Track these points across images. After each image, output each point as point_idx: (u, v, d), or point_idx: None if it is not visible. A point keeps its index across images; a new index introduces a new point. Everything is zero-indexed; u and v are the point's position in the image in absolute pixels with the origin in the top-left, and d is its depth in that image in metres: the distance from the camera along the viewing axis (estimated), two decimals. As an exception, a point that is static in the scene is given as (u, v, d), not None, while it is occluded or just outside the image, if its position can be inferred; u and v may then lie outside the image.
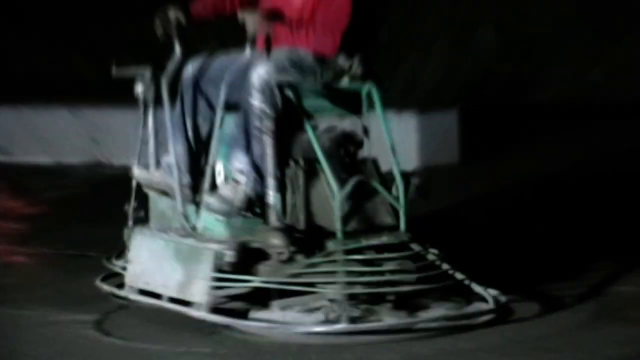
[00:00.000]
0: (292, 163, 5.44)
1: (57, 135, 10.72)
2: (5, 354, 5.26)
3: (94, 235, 7.56)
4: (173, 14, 5.70)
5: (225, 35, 6.91)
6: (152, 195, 6.04)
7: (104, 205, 8.31)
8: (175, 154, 5.83)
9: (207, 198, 5.71)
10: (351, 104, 5.60)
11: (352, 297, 5.15)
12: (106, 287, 5.75)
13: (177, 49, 5.64)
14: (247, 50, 5.81)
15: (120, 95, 7.05)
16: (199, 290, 5.66)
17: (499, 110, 10.42)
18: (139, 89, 5.76)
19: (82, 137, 10.69)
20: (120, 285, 5.68)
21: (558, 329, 5.25)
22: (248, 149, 5.69)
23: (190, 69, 5.72)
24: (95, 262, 6.42)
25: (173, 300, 5.52)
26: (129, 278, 5.75)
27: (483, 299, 5.38)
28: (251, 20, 5.70)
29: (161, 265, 5.78)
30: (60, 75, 11.69)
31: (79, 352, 5.03)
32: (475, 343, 5.01)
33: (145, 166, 5.94)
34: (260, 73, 5.41)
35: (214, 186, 5.58)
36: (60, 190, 9.67)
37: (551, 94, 10.74)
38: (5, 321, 5.73)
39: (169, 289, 5.69)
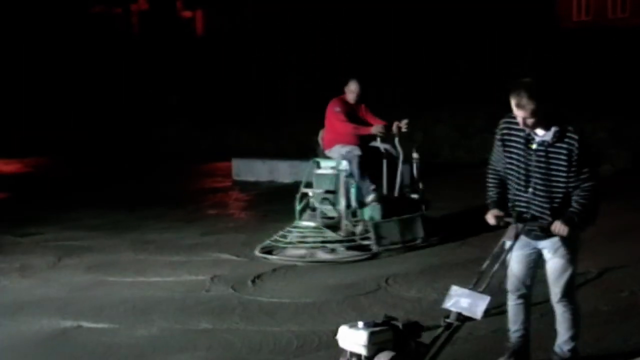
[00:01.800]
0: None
1: (262, 171, 13.36)
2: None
3: (272, 207, 10.57)
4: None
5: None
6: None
7: (274, 196, 11.50)
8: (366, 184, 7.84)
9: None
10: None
11: None
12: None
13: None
14: (379, 140, 8.05)
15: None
16: (421, 230, 7.76)
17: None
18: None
19: (265, 171, 13.32)
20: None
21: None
22: None
23: (358, 151, 7.91)
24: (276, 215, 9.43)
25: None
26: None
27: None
28: (379, 129, 7.96)
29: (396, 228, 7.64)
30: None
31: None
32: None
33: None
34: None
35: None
36: (257, 191, 12.39)
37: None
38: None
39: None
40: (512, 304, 4.61)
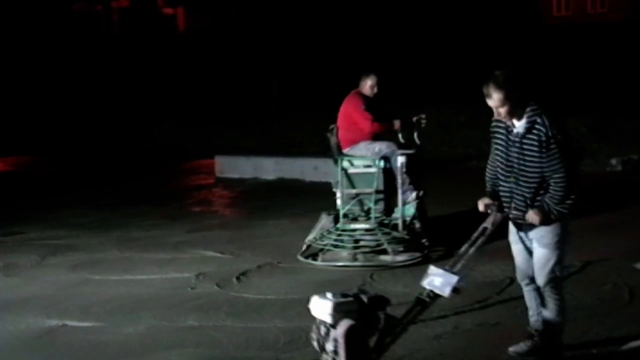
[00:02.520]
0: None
1: (245, 168, 13.14)
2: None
3: (257, 204, 10.78)
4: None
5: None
6: None
7: (258, 193, 11.80)
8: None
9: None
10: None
11: None
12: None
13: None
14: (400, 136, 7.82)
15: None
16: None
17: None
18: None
19: (248, 168, 13.17)
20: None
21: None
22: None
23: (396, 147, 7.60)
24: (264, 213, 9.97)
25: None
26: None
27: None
28: (399, 125, 7.73)
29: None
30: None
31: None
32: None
33: None
34: None
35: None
36: (241, 188, 12.33)
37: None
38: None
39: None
40: (524, 291, 4.75)
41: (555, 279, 4.54)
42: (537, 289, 4.66)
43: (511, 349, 4.76)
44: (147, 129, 19.04)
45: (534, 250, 4.54)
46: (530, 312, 4.76)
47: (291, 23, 21.51)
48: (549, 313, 4.59)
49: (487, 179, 4.70)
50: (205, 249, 8.01)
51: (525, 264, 4.63)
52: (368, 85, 7.77)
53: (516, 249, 4.65)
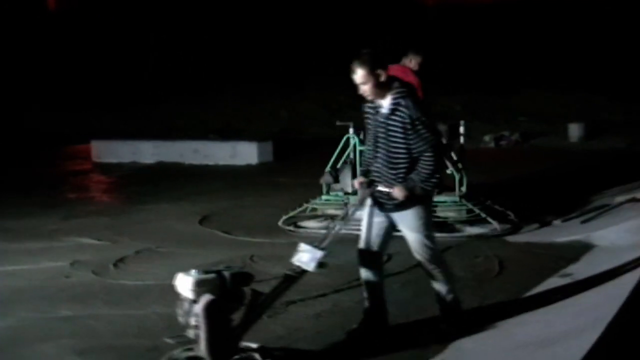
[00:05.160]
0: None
1: (124, 153, 13.08)
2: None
3: (135, 189, 11.09)
4: None
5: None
6: None
7: (137, 178, 11.90)
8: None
9: None
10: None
11: None
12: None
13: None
14: None
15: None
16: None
17: (287, 141, 13.68)
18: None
19: (127, 152, 13.01)
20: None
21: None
22: None
23: None
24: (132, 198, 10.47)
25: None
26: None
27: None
28: None
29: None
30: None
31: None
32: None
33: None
34: None
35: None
36: (119, 173, 12.26)
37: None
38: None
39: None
40: (362, 270, 4.75)
41: (433, 252, 4.67)
42: (376, 267, 4.72)
43: None
44: (17, 114, 18.24)
45: (405, 235, 4.64)
46: (365, 295, 4.78)
47: (165, 4, 21.07)
48: (438, 284, 4.71)
49: (364, 158, 4.78)
50: (81, 236, 7.79)
51: (371, 238, 4.65)
52: (416, 62, 7.54)
53: (371, 222, 4.63)
